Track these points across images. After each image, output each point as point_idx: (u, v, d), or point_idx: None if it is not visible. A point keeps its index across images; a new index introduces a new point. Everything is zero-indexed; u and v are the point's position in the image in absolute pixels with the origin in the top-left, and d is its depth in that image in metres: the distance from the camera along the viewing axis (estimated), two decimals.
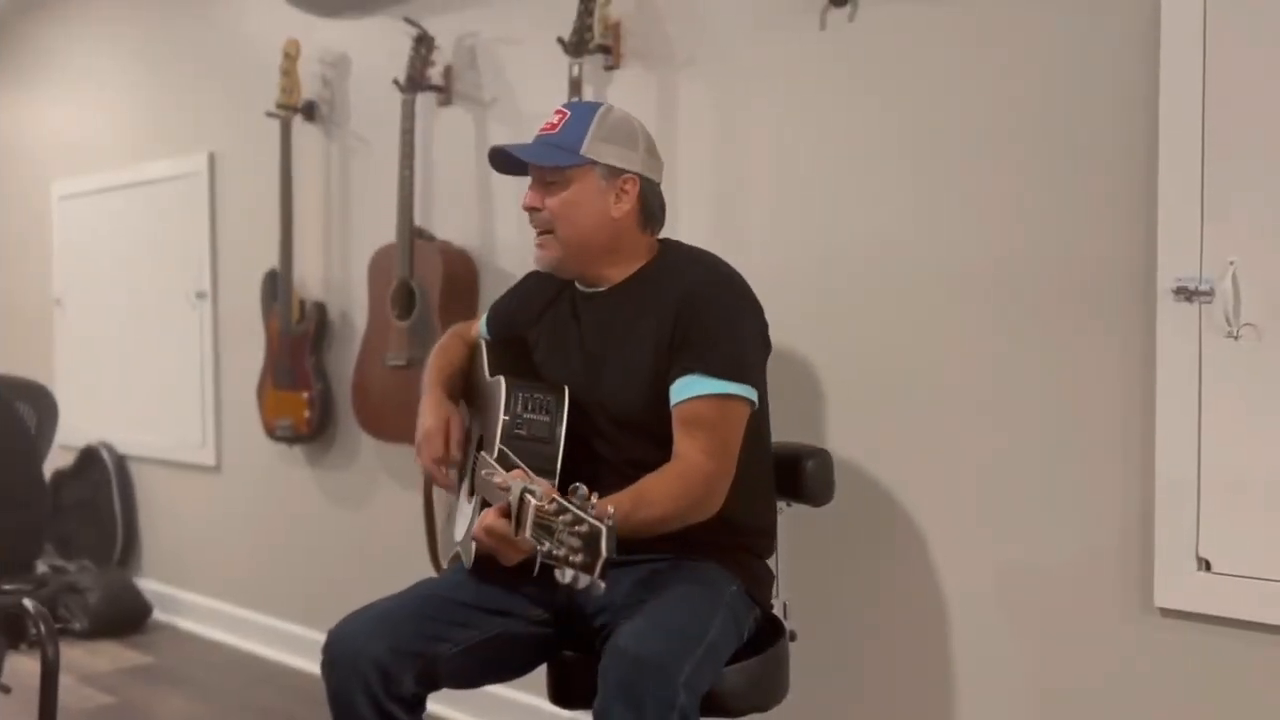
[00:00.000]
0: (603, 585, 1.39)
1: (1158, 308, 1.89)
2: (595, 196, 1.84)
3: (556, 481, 1.72)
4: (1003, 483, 2.11)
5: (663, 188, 1.95)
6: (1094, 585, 2.00)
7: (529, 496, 1.49)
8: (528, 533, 1.47)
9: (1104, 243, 1.98)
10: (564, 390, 1.85)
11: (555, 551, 1.41)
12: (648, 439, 1.81)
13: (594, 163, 1.83)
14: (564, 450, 1.80)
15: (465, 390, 2.09)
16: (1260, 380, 1.80)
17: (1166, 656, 1.92)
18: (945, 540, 2.19)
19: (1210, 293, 1.83)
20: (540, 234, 1.89)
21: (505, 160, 1.92)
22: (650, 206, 1.90)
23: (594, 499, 1.43)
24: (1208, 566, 1.86)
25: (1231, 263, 1.81)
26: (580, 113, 1.87)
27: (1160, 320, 1.89)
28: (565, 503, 1.43)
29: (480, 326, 2.16)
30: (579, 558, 1.39)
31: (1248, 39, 1.81)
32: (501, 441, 1.79)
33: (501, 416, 1.81)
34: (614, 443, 1.86)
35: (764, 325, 1.89)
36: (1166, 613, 1.91)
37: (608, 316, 1.89)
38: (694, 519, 1.74)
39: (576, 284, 1.96)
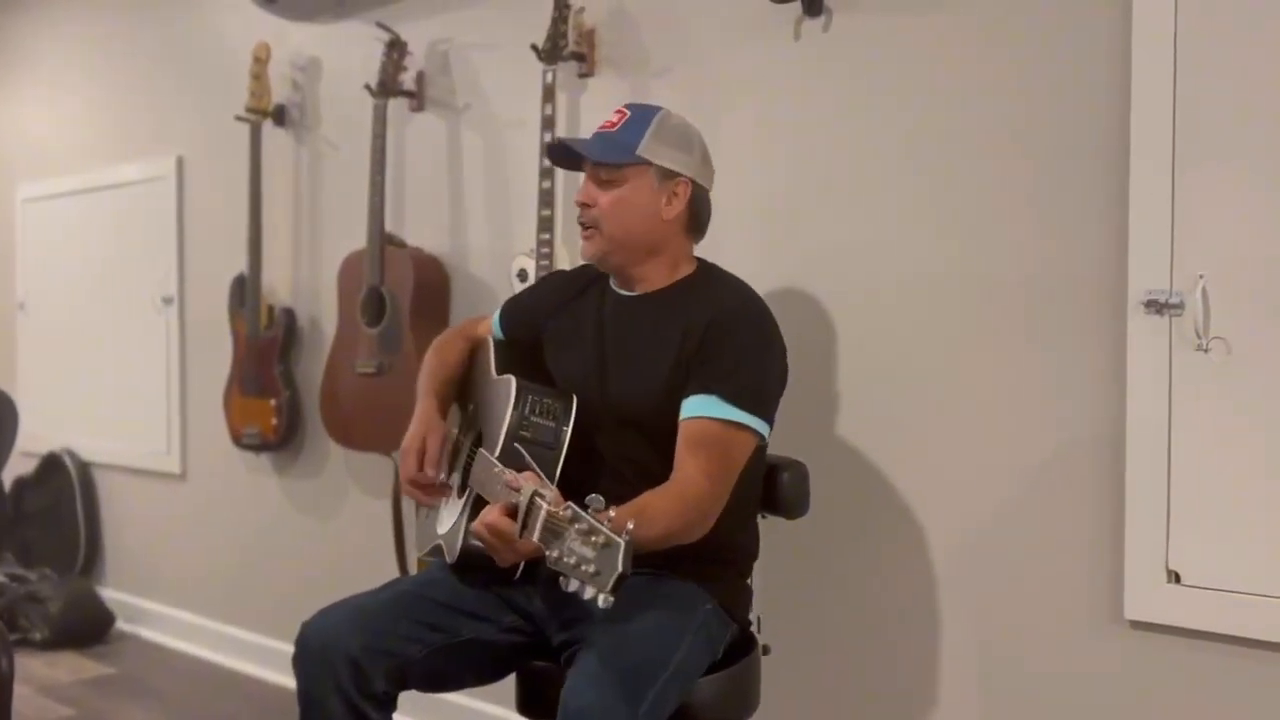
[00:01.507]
0: (611, 600, 1.36)
1: (1128, 320, 1.90)
2: (648, 196, 1.85)
3: (555, 485, 1.71)
4: (973, 494, 2.11)
5: None
6: (1064, 598, 2.00)
7: (540, 500, 1.46)
8: (535, 536, 1.45)
9: (1074, 255, 1.98)
10: (573, 398, 1.85)
11: (565, 559, 1.39)
12: (648, 442, 1.83)
13: (649, 163, 1.84)
14: (564, 458, 1.79)
15: (462, 389, 2.07)
16: (1230, 393, 1.81)
17: (1136, 669, 1.93)
18: (917, 553, 2.18)
19: (1180, 305, 1.84)
20: (587, 228, 1.89)
21: (561, 156, 1.95)
22: (699, 212, 1.91)
23: (612, 512, 1.41)
24: (1178, 579, 1.87)
25: (1201, 276, 1.82)
26: (640, 114, 1.89)
27: (1130, 333, 1.89)
28: (581, 511, 1.40)
29: (493, 323, 2.12)
30: (590, 569, 1.36)
31: (1219, 52, 1.82)
32: (505, 443, 1.77)
33: (508, 418, 1.80)
34: (614, 440, 1.86)
35: (785, 365, 1.89)
36: (1136, 625, 1.92)
37: (636, 320, 1.90)
38: (684, 540, 1.72)
39: (613, 284, 1.96)
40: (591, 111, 2.69)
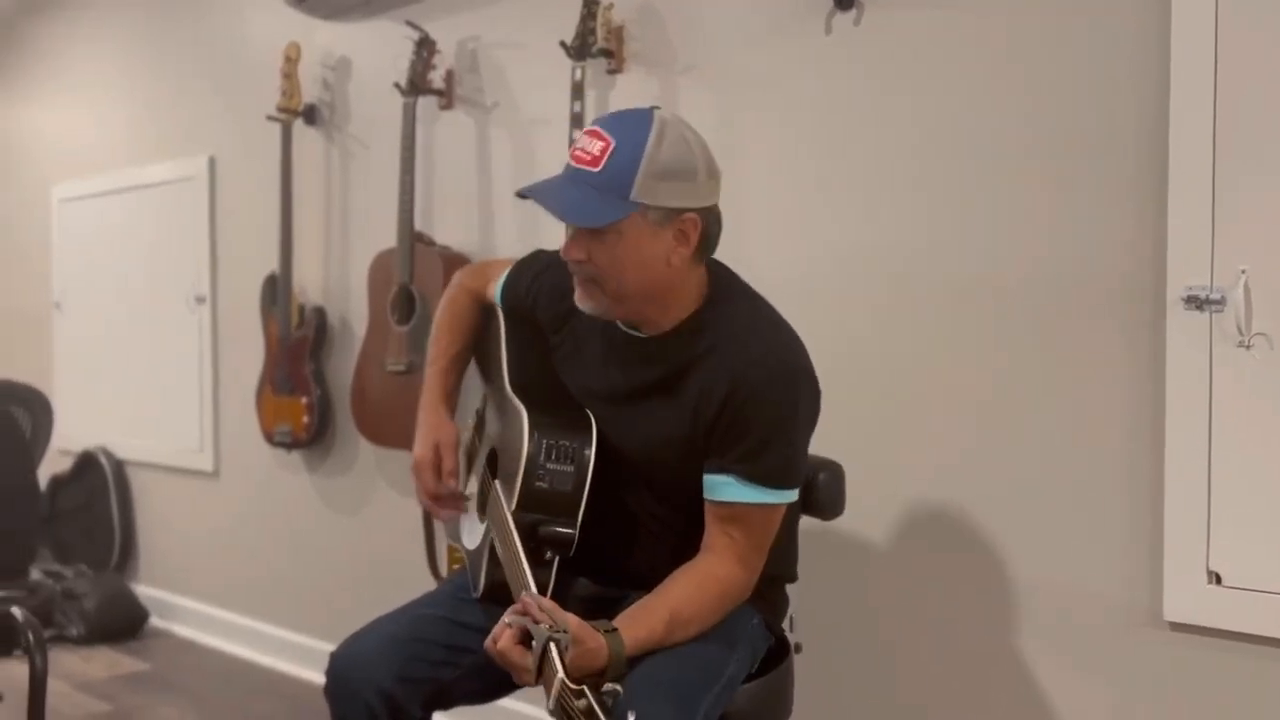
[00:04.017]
0: None
1: (1167, 317, 1.86)
2: (650, 244, 1.56)
3: (576, 535, 1.64)
4: (1011, 495, 2.08)
5: None
6: (1103, 599, 1.97)
7: (554, 650, 1.36)
8: (549, 705, 1.34)
9: (1113, 251, 1.95)
10: (591, 433, 1.67)
11: None
12: (673, 504, 1.71)
13: (648, 207, 1.53)
14: (584, 506, 1.66)
15: (478, 357, 1.97)
16: (1272, 390, 1.77)
17: (1176, 671, 1.89)
18: (954, 554, 2.16)
19: (1221, 301, 1.81)
20: (582, 281, 1.62)
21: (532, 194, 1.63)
22: (710, 238, 1.62)
23: (619, 690, 1.31)
24: (1218, 580, 1.83)
25: (1243, 271, 1.79)
26: (627, 140, 1.53)
27: (1170, 330, 1.86)
28: (597, 709, 1.28)
29: (496, 291, 1.90)
30: None
31: (1260, 46, 1.79)
32: (521, 491, 1.65)
33: (522, 462, 1.65)
34: (633, 493, 1.73)
35: (816, 410, 1.68)
36: (1176, 627, 1.89)
37: (647, 367, 1.68)
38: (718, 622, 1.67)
39: (618, 323, 1.71)
40: (620, 106, 2.66)
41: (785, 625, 1.95)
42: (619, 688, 1.33)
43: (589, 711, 1.27)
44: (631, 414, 1.69)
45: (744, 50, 2.46)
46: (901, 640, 2.23)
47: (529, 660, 1.41)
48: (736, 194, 2.53)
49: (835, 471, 2.00)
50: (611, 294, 1.60)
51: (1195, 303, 1.83)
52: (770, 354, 1.62)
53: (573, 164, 1.57)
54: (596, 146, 1.54)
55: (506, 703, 2.85)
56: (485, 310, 1.96)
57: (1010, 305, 2.07)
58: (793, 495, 1.68)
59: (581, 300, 1.64)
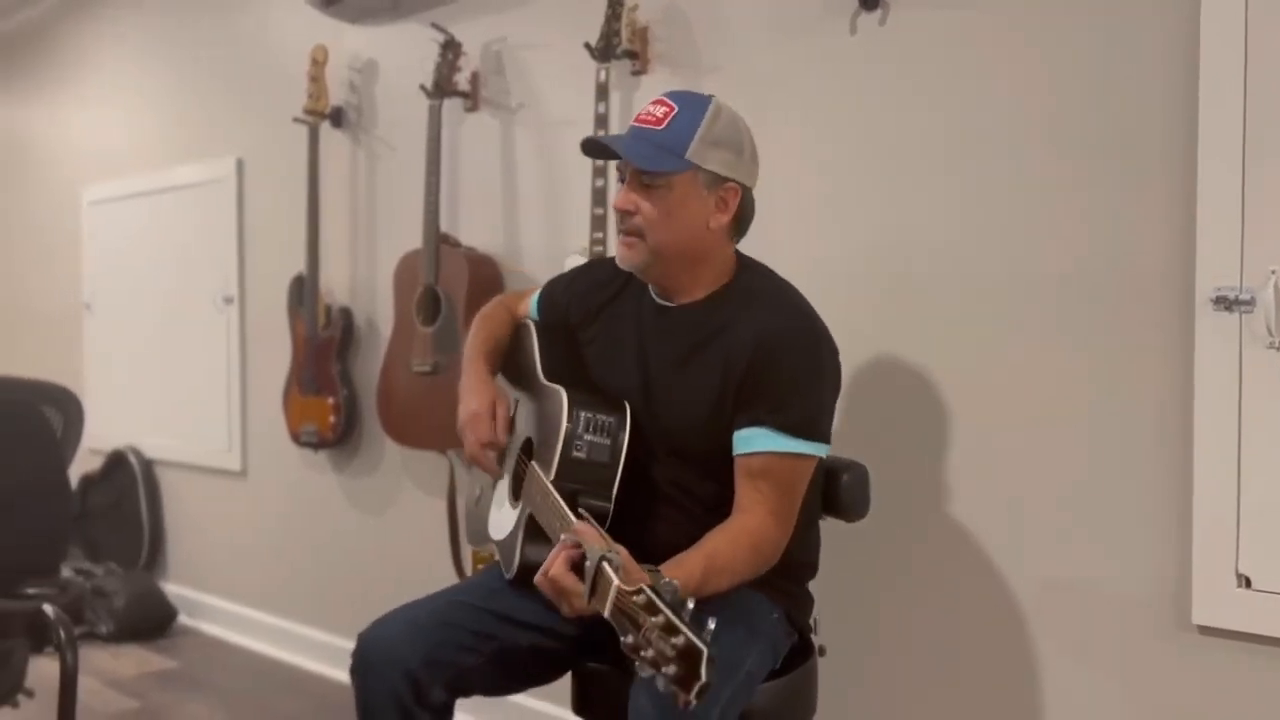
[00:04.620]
0: (695, 704, 1.23)
1: (1196, 317, 1.85)
2: (696, 205, 1.71)
3: (611, 508, 1.69)
4: (1038, 496, 2.07)
5: None
6: (1130, 602, 1.95)
7: (608, 567, 1.37)
8: (605, 611, 1.35)
9: (1139, 251, 1.94)
10: (626, 410, 1.76)
11: (643, 652, 1.26)
12: (697, 467, 1.77)
13: (699, 168, 1.70)
14: (620, 480, 1.72)
15: (508, 369, 2.03)
16: None
17: (1205, 676, 1.88)
18: (980, 556, 2.15)
19: (1251, 302, 1.79)
20: (627, 236, 1.74)
21: (596, 145, 1.81)
22: (746, 216, 1.79)
23: (691, 604, 1.28)
24: (1248, 583, 1.82)
25: (1273, 271, 1.77)
26: (688, 108, 1.71)
27: (1198, 331, 1.85)
28: (657, 600, 1.28)
29: (530, 305, 2.04)
30: (672, 669, 1.23)
31: None
32: (560, 461, 1.71)
33: (561, 434, 1.72)
34: (664, 466, 1.79)
35: (838, 373, 1.79)
36: (1205, 630, 1.87)
37: (676, 338, 1.79)
38: (753, 578, 1.70)
39: (650, 290, 1.84)
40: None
41: (809, 625, 1.95)
42: (676, 582, 1.33)
43: (649, 605, 1.27)
44: (664, 384, 1.78)
45: (769, 50, 2.46)
46: (924, 642, 2.22)
47: (580, 585, 1.44)
48: (762, 193, 2.53)
49: (859, 472, 1.99)
50: (651, 246, 1.73)
51: (1224, 303, 1.81)
52: (794, 319, 1.75)
53: (636, 125, 1.74)
54: (661, 111, 1.72)
55: (529, 700, 2.87)
56: (517, 324, 2.04)
57: (1037, 305, 2.06)
58: (819, 449, 1.72)
59: (622, 257, 1.77)
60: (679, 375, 1.77)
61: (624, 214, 1.74)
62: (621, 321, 1.87)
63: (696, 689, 1.22)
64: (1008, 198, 2.10)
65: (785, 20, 2.42)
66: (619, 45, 2.61)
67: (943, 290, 2.18)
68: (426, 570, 3.08)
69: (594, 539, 1.46)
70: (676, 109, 1.71)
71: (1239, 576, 1.82)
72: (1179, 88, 1.88)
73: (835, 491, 1.95)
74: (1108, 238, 1.97)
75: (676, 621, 1.24)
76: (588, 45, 2.62)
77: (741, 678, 1.64)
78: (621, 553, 1.42)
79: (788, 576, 1.82)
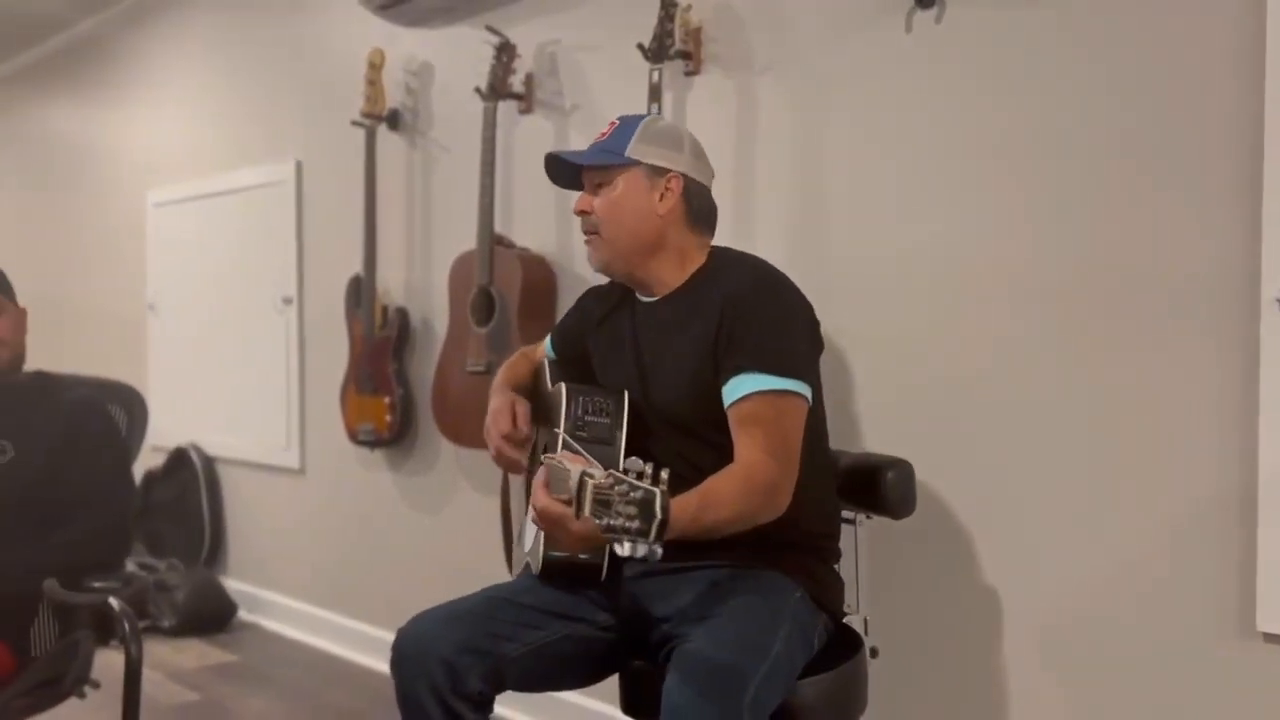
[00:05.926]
0: (659, 551, 1.40)
1: (1261, 319, 1.81)
2: (640, 195, 1.89)
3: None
4: (1096, 498, 2.04)
5: (740, 194, 1.92)
6: (1191, 608, 1.92)
7: (588, 478, 1.48)
8: (587, 511, 1.47)
9: (1203, 253, 1.90)
10: (623, 393, 1.91)
11: (613, 523, 1.42)
12: (700, 441, 1.84)
13: (638, 162, 1.89)
14: (623, 453, 1.83)
15: (531, 402, 2.12)
16: None
17: (1269, 683, 1.83)
18: (1033, 557, 2.12)
19: None
20: (588, 235, 1.94)
21: (559, 172, 1.99)
22: (697, 206, 1.93)
23: (649, 468, 1.44)
24: None
25: None
26: (630, 121, 1.94)
27: (1264, 333, 1.81)
28: (622, 475, 1.43)
29: (545, 347, 2.21)
30: (635, 524, 1.39)
31: None
32: (563, 444, 1.83)
33: (563, 420, 1.87)
34: (668, 444, 1.87)
35: (814, 323, 1.89)
36: (1270, 638, 1.83)
37: (661, 323, 1.92)
38: (763, 519, 1.72)
39: (636, 294, 1.98)
40: (698, 108, 2.68)
41: (859, 627, 1.94)
42: (640, 461, 1.46)
43: (615, 481, 1.42)
44: (654, 366, 1.91)
45: (823, 50, 2.45)
46: (976, 643, 2.20)
47: (564, 507, 1.54)
48: (815, 194, 2.52)
49: (904, 470, 1.98)
50: (608, 240, 1.91)
51: None
52: (758, 275, 1.88)
53: (592, 143, 1.96)
54: (608, 128, 1.95)
55: (580, 699, 2.88)
56: (537, 368, 2.19)
57: (1101, 306, 2.03)
58: (800, 387, 1.77)
59: (589, 258, 1.96)
60: (666, 354, 1.89)
61: (582, 215, 1.93)
62: (618, 325, 2.01)
63: (655, 529, 1.37)
64: (1068, 198, 2.07)
65: (839, 19, 2.41)
66: (672, 46, 2.61)
67: (1002, 292, 2.15)
68: (480, 570, 3.09)
69: (575, 461, 1.57)
70: (619, 124, 1.94)
71: None
72: (1245, 88, 1.84)
73: (880, 488, 1.94)
74: (1173, 239, 1.94)
75: (633, 482, 1.40)
76: (641, 46, 2.62)
77: (772, 660, 1.64)
78: (600, 469, 1.52)
79: (804, 549, 1.84)
